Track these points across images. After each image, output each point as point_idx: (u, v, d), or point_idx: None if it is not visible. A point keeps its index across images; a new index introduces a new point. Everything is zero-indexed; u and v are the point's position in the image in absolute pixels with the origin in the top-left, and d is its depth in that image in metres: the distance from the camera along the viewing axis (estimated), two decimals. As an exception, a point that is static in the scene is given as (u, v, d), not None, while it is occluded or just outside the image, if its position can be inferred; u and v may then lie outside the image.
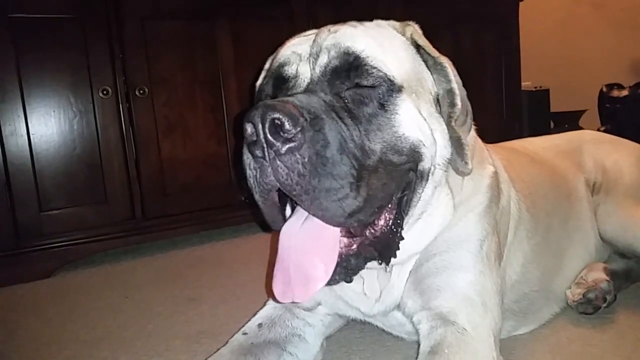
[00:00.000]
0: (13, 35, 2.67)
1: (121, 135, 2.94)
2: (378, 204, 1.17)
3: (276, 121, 1.04)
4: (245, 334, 1.55)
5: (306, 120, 1.06)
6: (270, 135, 1.05)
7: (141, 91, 2.96)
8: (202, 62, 3.15)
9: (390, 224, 1.25)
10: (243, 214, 3.23)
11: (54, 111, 2.79)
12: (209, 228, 3.24)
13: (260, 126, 1.05)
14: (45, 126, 2.77)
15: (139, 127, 2.98)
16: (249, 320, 1.61)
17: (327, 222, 1.12)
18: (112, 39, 2.90)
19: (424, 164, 1.26)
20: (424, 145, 1.24)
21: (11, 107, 2.69)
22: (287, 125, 1.04)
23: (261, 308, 1.64)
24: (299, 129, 1.05)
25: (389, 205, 1.24)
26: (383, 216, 1.23)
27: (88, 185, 2.88)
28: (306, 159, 1.05)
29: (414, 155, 1.23)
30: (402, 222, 1.29)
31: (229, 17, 3.20)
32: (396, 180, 1.21)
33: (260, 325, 1.57)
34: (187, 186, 3.15)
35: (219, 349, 1.51)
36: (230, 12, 3.20)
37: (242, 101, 3.22)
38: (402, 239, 1.29)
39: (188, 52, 3.11)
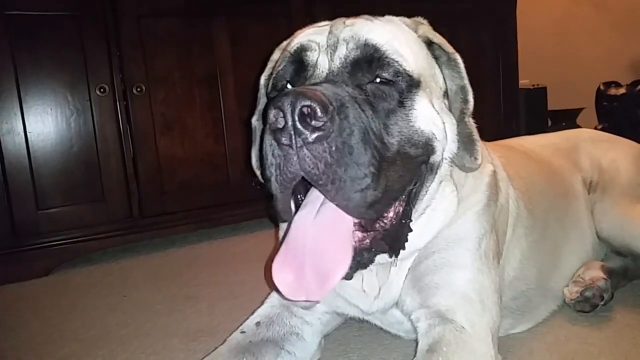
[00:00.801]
0: (9, 32, 2.66)
1: (118, 133, 2.93)
2: (394, 195, 1.19)
3: (306, 109, 1.02)
4: (243, 332, 1.55)
5: (334, 108, 1.06)
6: (300, 123, 1.03)
7: (138, 89, 2.95)
8: (199, 60, 3.14)
9: (399, 216, 1.26)
10: (241, 212, 3.23)
11: (51, 109, 2.78)
12: (207, 226, 3.24)
13: (289, 113, 1.03)
14: (43, 124, 2.76)
15: (137, 125, 2.97)
16: (247, 318, 1.61)
17: (348, 212, 1.12)
18: (110, 37, 2.89)
19: (435, 157, 1.29)
20: (437, 138, 1.27)
21: (8, 105, 2.68)
22: (318, 114, 1.03)
23: (259, 306, 1.64)
24: (329, 117, 1.04)
25: (401, 197, 1.25)
26: (393, 208, 1.24)
27: (85, 183, 2.87)
28: (334, 148, 1.05)
29: (428, 148, 1.26)
30: (411, 213, 1.30)
31: (226, 15, 3.19)
32: (410, 172, 1.23)
33: (258, 323, 1.57)
34: (185, 184, 3.14)
35: (217, 348, 1.51)
36: (227, 10, 3.19)
37: (239, 99, 3.21)
38: (411, 230, 1.30)
39: (185, 50, 3.10)
